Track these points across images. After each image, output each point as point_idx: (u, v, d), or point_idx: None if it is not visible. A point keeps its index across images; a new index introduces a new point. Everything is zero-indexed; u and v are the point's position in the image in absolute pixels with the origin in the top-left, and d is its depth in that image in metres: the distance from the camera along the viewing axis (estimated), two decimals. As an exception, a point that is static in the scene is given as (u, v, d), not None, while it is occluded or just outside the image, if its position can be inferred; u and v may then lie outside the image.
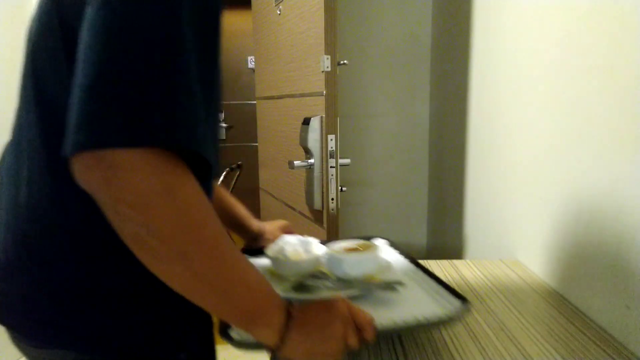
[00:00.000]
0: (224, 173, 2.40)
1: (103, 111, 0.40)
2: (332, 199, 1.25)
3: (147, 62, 0.41)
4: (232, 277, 0.49)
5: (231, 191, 2.72)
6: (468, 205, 1.45)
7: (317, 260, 0.77)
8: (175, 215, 0.44)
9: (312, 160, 1.28)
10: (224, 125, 4.04)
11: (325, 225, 1.28)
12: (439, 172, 1.82)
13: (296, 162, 1.28)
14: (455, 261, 1.03)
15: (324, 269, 0.75)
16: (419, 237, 2.07)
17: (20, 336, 0.58)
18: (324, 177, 1.26)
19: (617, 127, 0.70)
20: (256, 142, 1.97)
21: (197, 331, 0.60)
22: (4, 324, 0.58)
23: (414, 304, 0.66)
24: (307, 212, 1.42)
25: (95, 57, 0.41)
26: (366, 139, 1.99)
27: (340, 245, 0.76)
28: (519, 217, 1.07)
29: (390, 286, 0.69)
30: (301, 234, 0.84)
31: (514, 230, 1.09)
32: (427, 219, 2.04)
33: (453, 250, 1.62)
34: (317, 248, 0.79)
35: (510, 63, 1.11)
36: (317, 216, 1.35)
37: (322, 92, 1.22)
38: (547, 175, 0.93)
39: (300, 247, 0.78)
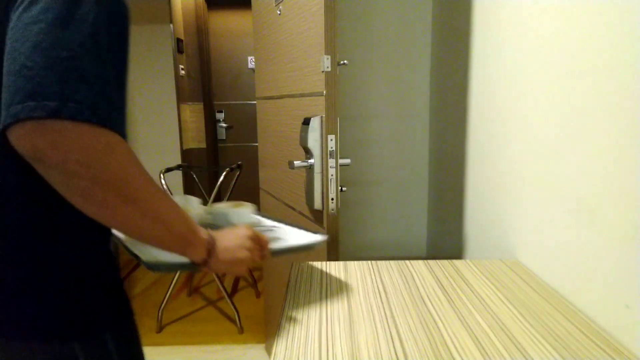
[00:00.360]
0: (224, 173, 2.40)
1: (43, 88, 0.49)
2: (332, 199, 1.25)
3: (74, 60, 0.51)
4: (169, 211, 0.60)
5: (231, 191, 2.71)
6: (468, 205, 1.45)
7: (203, 214, 0.90)
8: (118, 166, 0.53)
9: (312, 160, 1.28)
10: (224, 125, 4.04)
11: (325, 225, 1.28)
12: (439, 172, 1.83)
13: (296, 162, 1.28)
14: (455, 261, 1.03)
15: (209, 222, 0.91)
16: (419, 237, 2.07)
17: None
18: (324, 177, 1.26)
19: (618, 127, 0.70)
20: (256, 142, 1.96)
21: (119, 312, 0.68)
22: None
23: (289, 238, 0.88)
24: (307, 212, 1.42)
25: (35, 50, 0.49)
26: (366, 139, 1.99)
27: (219, 205, 0.95)
28: (519, 217, 1.07)
29: (269, 229, 0.90)
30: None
31: (514, 230, 1.09)
32: (427, 219, 2.04)
33: (453, 250, 1.62)
34: (198, 204, 0.93)
35: (510, 63, 1.11)
36: (317, 216, 1.35)
37: (322, 92, 1.22)
38: (547, 174, 0.93)
39: (186, 203, 0.91)
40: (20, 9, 0.52)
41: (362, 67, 1.92)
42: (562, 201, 0.87)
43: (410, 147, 1.99)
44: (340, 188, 1.26)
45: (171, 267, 0.70)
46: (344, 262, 1.03)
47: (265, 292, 2.04)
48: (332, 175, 1.24)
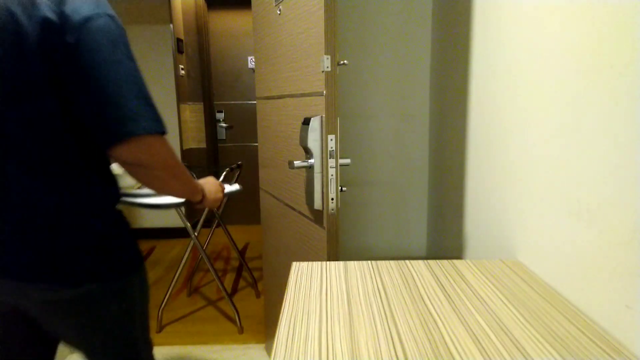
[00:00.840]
0: (224, 173, 2.40)
1: (133, 113, 0.77)
2: (332, 199, 1.25)
3: (140, 89, 0.80)
4: (190, 178, 0.95)
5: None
6: (468, 205, 1.45)
7: (133, 183, 1.08)
8: (174, 159, 0.85)
9: (312, 160, 1.28)
10: (224, 125, 4.04)
11: (325, 225, 1.28)
12: (439, 172, 1.83)
13: (296, 162, 1.28)
14: (455, 261, 1.03)
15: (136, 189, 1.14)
16: (419, 237, 2.07)
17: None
18: (324, 177, 1.26)
19: (618, 127, 0.70)
20: (256, 142, 1.96)
21: (140, 259, 0.98)
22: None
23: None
24: (307, 212, 1.42)
25: (113, 86, 0.76)
26: (366, 139, 1.99)
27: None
28: (519, 217, 1.07)
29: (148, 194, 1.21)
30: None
31: (514, 230, 1.09)
32: (427, 219, 2.04)
33: (453, 250, 1.62)
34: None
35: (510, 63, 1.11)
36: (317, 216, 1.35)
37: (322, 92, 1.22)
38: (547, 175, 0.93)
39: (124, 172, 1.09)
40: (80, 49, 0.72)
41: (362, 67, 1.92)
42: (563, 201, 0.87)
43: (410, 147, 1.99)
44: (340, 188, 1.27)
45: (170, 205, 1.09)
46: (344, 262, 1.03)
47: (265, 292, 2.04)
48: (332, 175, 1.24)
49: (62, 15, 0.71)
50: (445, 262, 1.03)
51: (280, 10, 1.50)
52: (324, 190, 1.27)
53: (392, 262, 1.03)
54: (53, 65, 0.72)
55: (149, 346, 1.04)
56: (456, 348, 0.67)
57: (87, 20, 0.72)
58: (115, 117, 0.73)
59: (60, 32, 0.71)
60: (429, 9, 1.88)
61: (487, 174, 1.28)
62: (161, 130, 0.79)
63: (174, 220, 3.69)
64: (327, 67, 1.19)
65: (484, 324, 0.74)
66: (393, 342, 0.69)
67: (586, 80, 0.79)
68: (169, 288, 2.40)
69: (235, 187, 1.32)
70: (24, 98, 0.73)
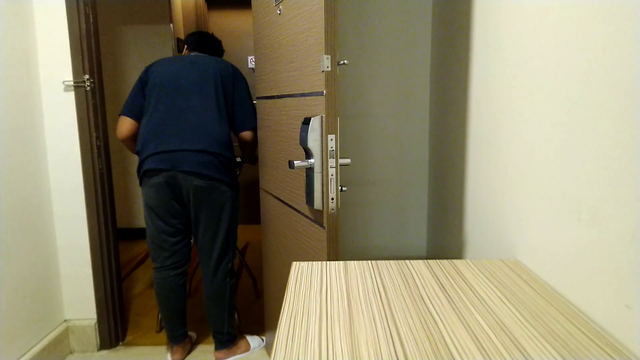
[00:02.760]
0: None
1: (253, 119, 1.96)
2: (332, 199, 1.25)
3: (254, 108, 1.97)
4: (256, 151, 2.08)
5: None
6: (468, 205, 1.45)
7: None
8: (256, 143, 1.99)
9: (312, 160, 1.28)
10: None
11: (325, 225, 1.28)
12: (439, 172, 1.83)
13: (296, 162, 1.28)
14: (456, 261, 1.03)
15: None
16: (419, 237, 2.07)
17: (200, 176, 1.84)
18: (324, 177, 1.26)
19: (617, 127, 0.70)
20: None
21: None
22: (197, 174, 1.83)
23: None
24: (307, 212, 1.42)
25: (249, 103, 1.97)
26: (366, 139, 1.99)
27: None
28: (519, 217, 1.07)
29: None
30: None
31: (514, 230, 1.09)
32: (427, 219, 2.04)
33: (453, 250, 1.62)
34: None
35: (510, 63, 1.11)
36: (317, 216, 1.35)
37: (322, 91, 1.22)
38: (547, 174, 0.93)
39: None
40: (236, 87, 1.93)
41: (363, 67, 1.92)
42: (563, 201, 0.87)
43: (410, 147, 1.99)
44: (340, 188, 1.26)
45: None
46: (344, 262, 1.03)
47: (265, 292, 2.04)
48: (332, 175, 1.24)
49: (234, 73, 1.94)
50: (445, 261, 1.03)
51: (280, 10, 1.50)
52: (324, 190, 1.27)
53: (392, 262, 1.03)
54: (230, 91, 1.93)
55: (235, 245, 2.01)
56: (456, 348, 0.67)
57: (238, 76, 1.96)
58: (245, 118, 1.94)
59: (233, 78, 1.93)
60: (429, 8, 1.88)
61: (487, 174, 1.28)
62: (256, 127, 1.93)
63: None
64: (327, 67, 1.19)
65: (483, 323, 0.74)
66: (393, 342, 0.69)
67: (587, 79, 0.79)
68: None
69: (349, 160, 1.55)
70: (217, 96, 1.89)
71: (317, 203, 1.29)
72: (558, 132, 0.88)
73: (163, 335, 2.27)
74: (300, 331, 0.73)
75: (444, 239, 1.78)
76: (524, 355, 0.64)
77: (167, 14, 3.47)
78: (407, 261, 1.03)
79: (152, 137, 1.78)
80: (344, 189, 1.29)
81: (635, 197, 0.67)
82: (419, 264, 1.01)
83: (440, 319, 0.76)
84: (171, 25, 3.49)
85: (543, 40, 0.94)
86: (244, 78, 1.94)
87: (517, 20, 1.07)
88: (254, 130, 1.93)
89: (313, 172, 1.28)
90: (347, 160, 1.33)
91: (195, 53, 2.00)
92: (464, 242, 1.50)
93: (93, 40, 1.99)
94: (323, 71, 1.20)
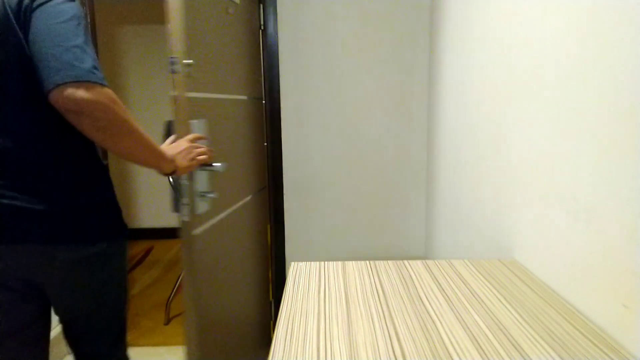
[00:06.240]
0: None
1: (72, 64, 0.80)
2: (186, 205, 1.22)
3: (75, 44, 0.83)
4: (150, 140, 0.92)
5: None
6: (466, 205, 1.45)
7: None
8: (121, 111, 0.84)
9: None
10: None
11: (184, 234, 1.24)
12: (438, 172, 1.83)
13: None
14: (453, 261, 1.03)
15: None
16: (418, 237, 2.07)
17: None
18: (179, 183, 1.23)
19: (615, 126, 0.70)
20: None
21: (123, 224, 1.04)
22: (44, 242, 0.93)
23: None
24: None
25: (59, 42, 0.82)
26: (366, 139, 1.99)
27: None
28: (517, 217, 1.07)
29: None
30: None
31: (512, 230, 1.10)
32: (426, 219, 2.04)
33: (451, 250, 1.63)
34: None
35: (509, 63, 1.11)
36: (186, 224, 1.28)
37: (174, 94, 1.19)
38: (544, 174, 0.93)
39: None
40: (34, 14, 0.84)
41: (363, 67, 1.92)
42: (560, 201, 0.87)
43: (409, 147, 1.99)
44: (203, 194, 1.25)
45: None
46: (342, 262, 1.03)
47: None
48: (185, 180, 1.21)
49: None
50: (443, 262, 1.03)
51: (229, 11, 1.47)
52: (180, 197, 1.24)
53: (390, 262, 1.03)
54: (24, 33, 0.86)
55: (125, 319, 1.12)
56: (454, 347, 0.67)
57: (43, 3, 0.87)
58: (48, 67, 0.80)
59: (27, 10, 0.86)
60: (428, 7, 1.88)
61: (485, 174, 1.28)
62: (93, 80, 0.81)
63: (172, 220, 3.68)
64: (176, 69, 1.17)
65: (481, 323, 0.74)
66: (391, 342, 0.69)
67: (587, 79, 0.79)
68: (176, 281, 2.48)
69: (220, 165, 1.25)
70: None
71: (177, 210, 1.26)
72: (556, 131, 0.88)
73: (162, 335, 2.27)
74: (299, 331, 0.73)
75: (442, 238, 1.78)
76: (521, 355, 0.65)
77: (165, 14, 3.47)
78: (405, 261, 1.03)
79: None
80: (210, 195, 1.26)
81: (632, 197, 0.67)
82: (417, 264, 1.01)
83: (439, 319, 0.76)
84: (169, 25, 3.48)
85: (541, 40, 0.94)
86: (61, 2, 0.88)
87: (517, 20, 1.07)
88: (80, 84, 0.81)
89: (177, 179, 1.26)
90: (219, 165, 1.26)
91: None
92: (461, 242, 1.50)
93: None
94: (172, 73, 1.17)
